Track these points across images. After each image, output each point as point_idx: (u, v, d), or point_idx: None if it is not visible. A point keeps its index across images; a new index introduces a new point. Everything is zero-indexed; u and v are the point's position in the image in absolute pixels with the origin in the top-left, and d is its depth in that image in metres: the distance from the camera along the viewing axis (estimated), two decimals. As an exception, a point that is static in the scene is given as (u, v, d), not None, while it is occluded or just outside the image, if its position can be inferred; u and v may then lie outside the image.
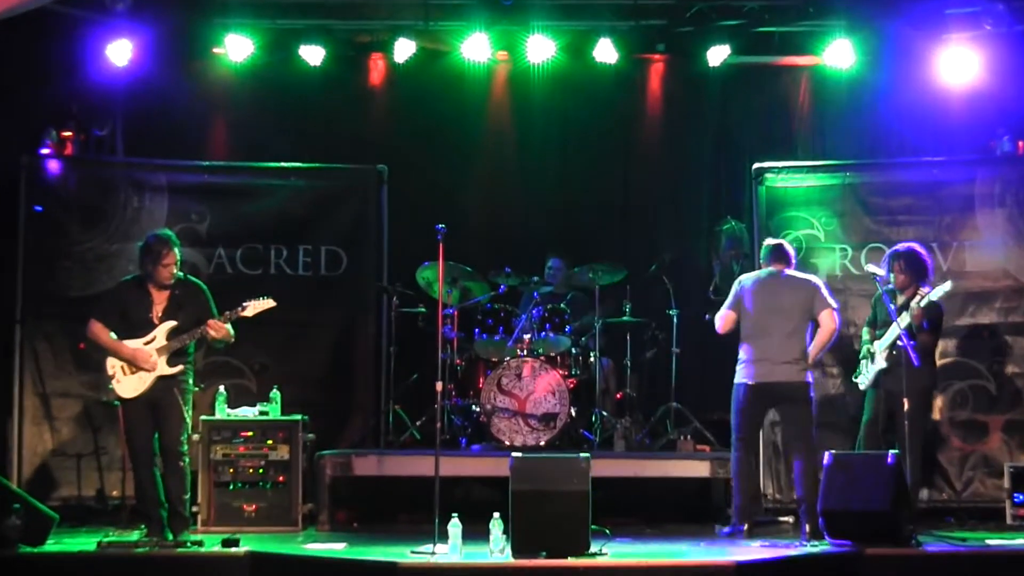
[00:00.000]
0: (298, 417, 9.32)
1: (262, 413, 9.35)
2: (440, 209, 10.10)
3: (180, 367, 8.25)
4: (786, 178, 10.23)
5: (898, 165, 10.30)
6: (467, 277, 10.31)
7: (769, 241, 9.14)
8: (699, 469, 9.48)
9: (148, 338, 8.24)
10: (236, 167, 10.51)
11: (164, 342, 8.23)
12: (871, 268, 8.97)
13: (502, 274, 10.28)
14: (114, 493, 9.67)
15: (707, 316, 9.45)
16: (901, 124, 10.58)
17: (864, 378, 9.05)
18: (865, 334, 9.15)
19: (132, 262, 9.28)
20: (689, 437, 9.87)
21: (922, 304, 8.71)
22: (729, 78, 10.90)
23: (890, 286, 8.94)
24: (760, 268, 9.15)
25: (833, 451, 8.44)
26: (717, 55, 10.62)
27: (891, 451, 8.16)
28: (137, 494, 8.40)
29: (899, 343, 8.57)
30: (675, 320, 10.31)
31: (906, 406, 8.48)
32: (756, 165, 10.29)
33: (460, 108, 11.03)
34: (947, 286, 8.77)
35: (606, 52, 10.62)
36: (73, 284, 10.00)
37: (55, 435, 9.90)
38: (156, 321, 8.27)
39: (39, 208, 9.98)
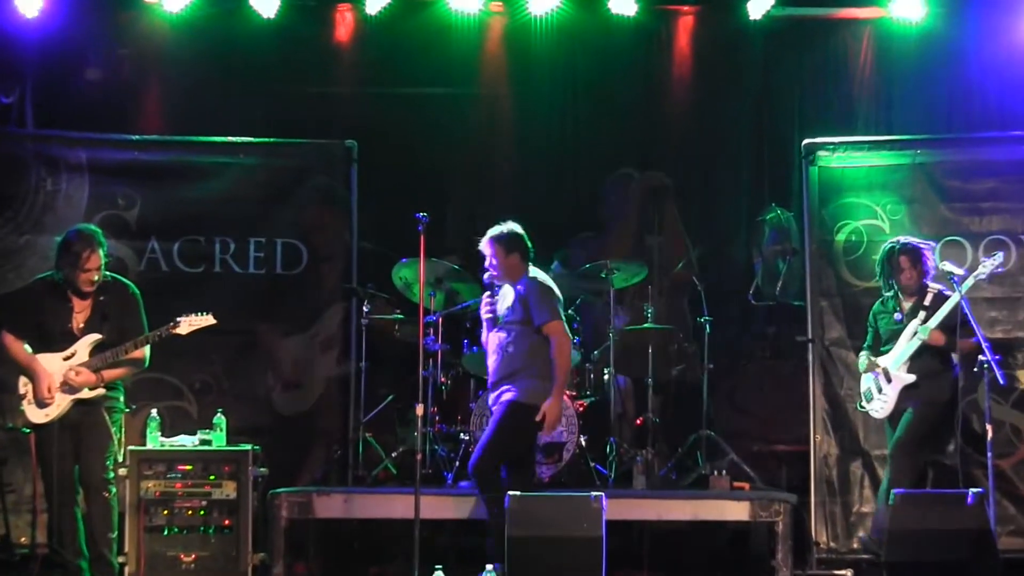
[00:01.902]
0: (247, 447, 9.23)
1: (203, 442, 9.26)
2: (421, 194, 10.12)
3: (102, 389, 8.27)
4: (843, 157, 10.23)
5: (980, 141, 10.31)
6: (454, 277, 10.28)
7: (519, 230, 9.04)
8: (736, 511, 9.45)
9: (67, 353, 8.23)
10: (172, 142, 10.45)
11: (86, 358, 8.22)
12: (948, 267, 9.02)
13: None
14: (22, 540, 9.61)
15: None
16: (984, 90, 10.60)
17: (879, 404, 9.15)
18: (864, 359, 9.27)
19: (46, 258, 9.19)
20: (724, 473, 9.90)
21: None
22: (774, 34, 10.95)
23: (889, 293, 9.21)
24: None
25: (901, 490, 8.47)
26: (759, 6, 10.64)
27: (971, 490, 8.20)
28: (52, 540, 8.37)
29: (981, 357, 8.63)
30: (707, 329, 10.31)
31: (990, 434, 8.59)
32: (807, 141, 10.28)
33: (446, 71, 11.04)
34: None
35: (623, 2, 10.63)
36: (-28, 284, 9.99)
37: (-53, 470, 9.91)
38: (77, 332, 8.26)
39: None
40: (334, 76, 11.10)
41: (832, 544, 9.85)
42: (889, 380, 9.07)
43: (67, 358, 8.23)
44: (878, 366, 9.17)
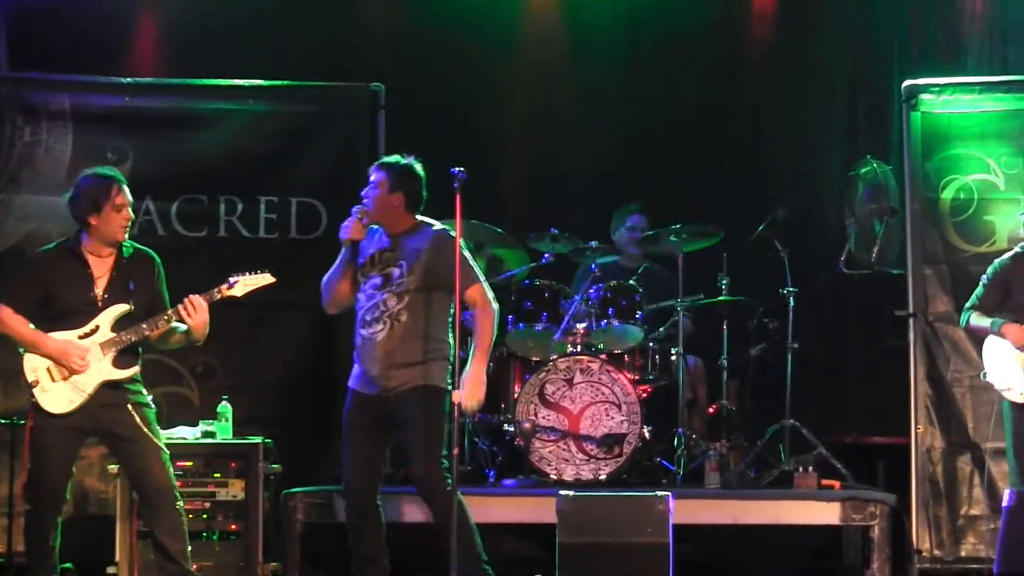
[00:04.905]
0: (258, 440, 9.28)
1: (207, 434, 9.33)
2: (458, 145, 10.20)
3: (135, 368, 8.14)
4: (951, 100, 10.11)
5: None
6: (497, 242, 10.35)
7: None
8: (825, 514, 9.44)
9: (86, 328, 8.07)
10: (170, 85, 10.49)
11: (109, 335, 8.07)
12: None
13: (547, 237, 10.30)
14: (-1, 548, 9.79)
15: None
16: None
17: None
18: (1017, 327, 9.05)
19: (23, 220, 9.49)
20: (811, 469, 9.85)
21: None
22: (871, -42, 11.05)
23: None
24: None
25: (1016, 488, 8.46)
26: (855, -72, 10.76)
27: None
28: (30, 550, 8.25)
29: None
30: (792, 302, 10.25)
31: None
32: (908, 82, 10.16)
33: (487, 6, 11.17)
34: None
35: (696, -79, 10.79)
36: (-62, 252, 10.09)
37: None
38: (100, 303, 8.10)
39: None
40: (358, 11, 11.17)
41: (936, 552, 9.76)
42: None
43: (85, 335, 8.04)
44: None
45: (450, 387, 8.19)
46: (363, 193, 8.30)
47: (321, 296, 8.48)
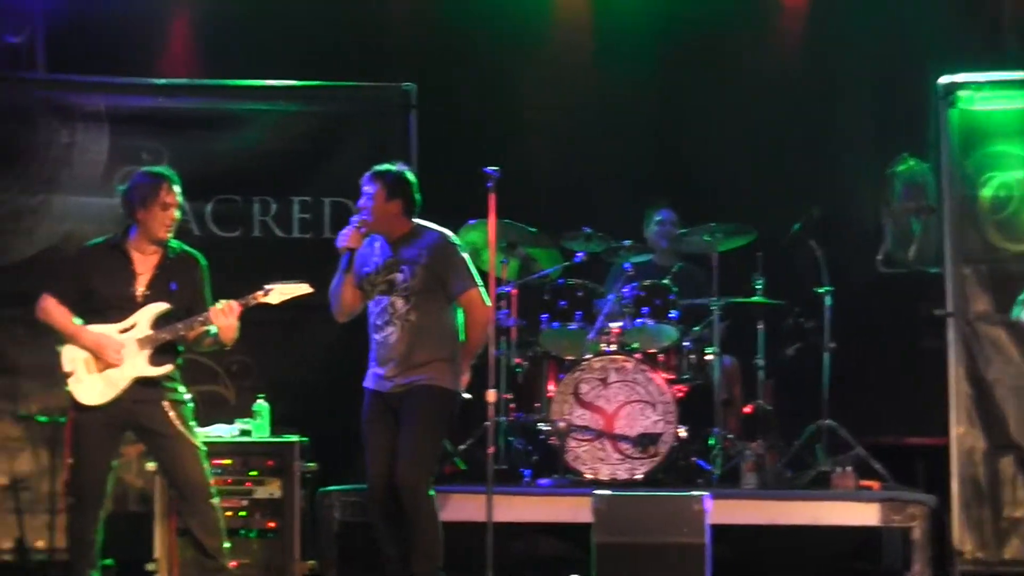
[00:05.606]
0: (295, 438, 9.37)
1: (243, 433, 9.42)
2: (491, 145, 10.17)
3: (169, 366, 8.24)
4: (990, 97, 10.09)
5: None
6: (530, 241, 10.39)
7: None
8: (864, 515, 9.42)
9: (124, 324, 8.18)
10: (203, 86, 10.57)
11: (148, 332, 8.17)
12: None
13: (580, 237, 10.34)
14: (39, 543, 9.76)
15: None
16: None
17: None
18: None
19: (62, 220, 9.58)
20: (849, 469, 9.84)
21: None
22: (906, -46, 10.93)
23: None
24: None
25: None
26: (889, -78, 10.67)
27: None
28: (71, 544, 8.38)
29: None
30: (828, 302, 10.28)
31: None
32: (945, 79, 10.15)
33: (517, 4, 11.19)
34: None
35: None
36: (-24, 250, 10.14)
37: (-52, 463, 10.03)
38: (140, 299, 8.22)
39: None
40: (389, 12, 11.23)
41: (979, 554, 9.73)
42: None
43: (124, 331, 8.15)
44: None
45: (459, 390, 8.43)
46: (360, 204, 8.45)
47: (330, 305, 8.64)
